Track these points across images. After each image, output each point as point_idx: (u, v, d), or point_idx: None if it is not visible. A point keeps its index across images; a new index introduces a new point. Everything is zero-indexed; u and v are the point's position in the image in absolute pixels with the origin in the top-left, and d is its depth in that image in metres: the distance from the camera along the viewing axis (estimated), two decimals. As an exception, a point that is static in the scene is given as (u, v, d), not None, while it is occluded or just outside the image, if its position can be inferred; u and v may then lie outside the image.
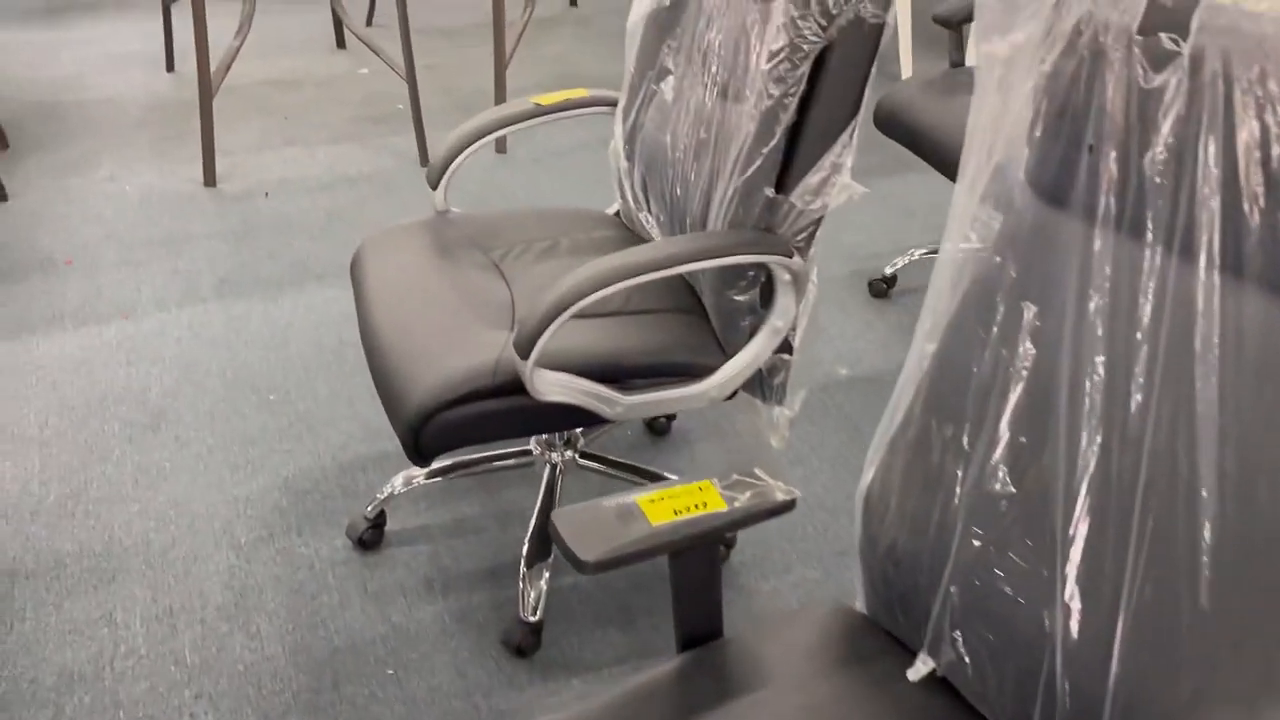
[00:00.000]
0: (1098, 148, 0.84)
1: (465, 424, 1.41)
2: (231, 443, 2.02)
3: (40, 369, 2.22)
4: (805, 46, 1.34)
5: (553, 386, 1.41)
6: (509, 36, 3.18)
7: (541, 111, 1.81)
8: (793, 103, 1.37)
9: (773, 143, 1.39)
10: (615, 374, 1.47)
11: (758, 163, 1.41)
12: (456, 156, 1.77)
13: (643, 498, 0.98)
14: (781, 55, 1.36)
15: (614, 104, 1.82)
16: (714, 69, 1.54)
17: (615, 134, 1.79)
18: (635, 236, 1.80)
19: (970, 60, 2.45)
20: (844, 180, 1.42)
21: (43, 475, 1.94)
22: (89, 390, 2.16)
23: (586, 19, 4.37)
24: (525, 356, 1.35)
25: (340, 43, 3.98)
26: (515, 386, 1.40)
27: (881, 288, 2.53)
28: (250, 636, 1.63)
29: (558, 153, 3.22)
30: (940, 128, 2.22)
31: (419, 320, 1.53)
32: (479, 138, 1.78)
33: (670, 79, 1.66)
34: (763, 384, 1.58)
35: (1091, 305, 0.85)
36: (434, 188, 1.80)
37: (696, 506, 0.97)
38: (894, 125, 2.29)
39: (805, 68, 1.35)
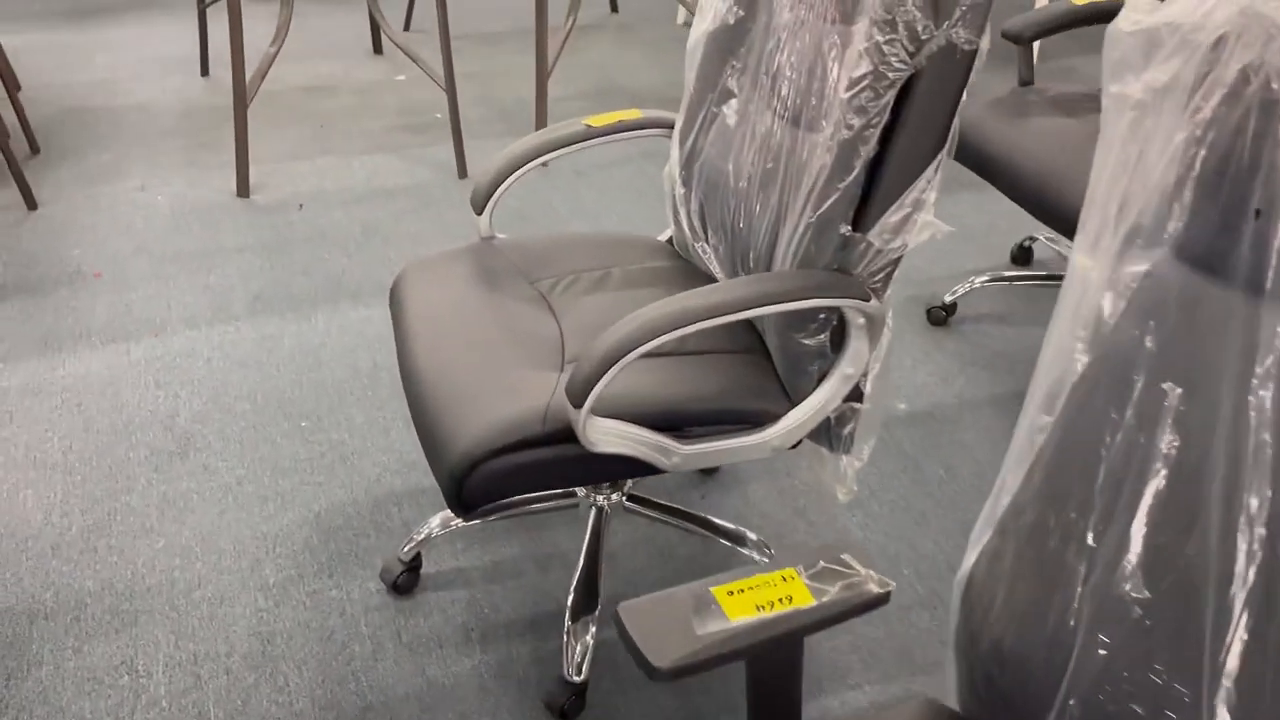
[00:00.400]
0: (1267, 212, 0.72)
1: (512, 473, 1.31)
2: (261, 473, 1.93)
3: (66, 390, 2.14)
4: (890, 74, 1.23)
5: (607, 436, 1.30)
6: (551, 45, 3.08)
7: (592, 134, 1.70)
8: (874, 134, 1.26)
9: (850, 177, 1.28)
10: (673, 421, 1.36)
11: (833, 198, 1.30)
12: (503, 181, 1.67)
13: (720, 588, 0.88)
14: (863, 83, 1.25)
15: (670, 126, 1.71)
16: (784, 94, 1.43)
17: (671, 158, 1.68)
18: (690, 267, 1.69)
19: (1039, 79, 2.33)
20: (927, 217, 1.31)
21: (65, 505, 1.86)
22: (115, 414, 2.08)
23: (628, 25, 4.26)
24: (578, 405, 1.25)
25: (377, 48, 3.90)
26: (566, 434, 1.30)
27: (941, 315, 2.40)
28: (278, 689, 1.54)
29: (602, 166, 3.12)
30: (1011, 152, 2.10)
31: (463, 359, 1.43)
32: (526, 162, 1.68)
33: (733, 102, 1.56)
34: (829, 432, 1.47)
35: (1256, 392, 0.73)
36: (479, 213, 1.70)
37: (780, 601, 0.86)
38: (959, 146, 2.17)
39: (889, 97, 1.24)
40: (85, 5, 4.30)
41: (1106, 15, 2.39)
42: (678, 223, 1.72)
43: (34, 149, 3.08)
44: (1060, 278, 2.50)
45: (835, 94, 1.31)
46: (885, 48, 1.22)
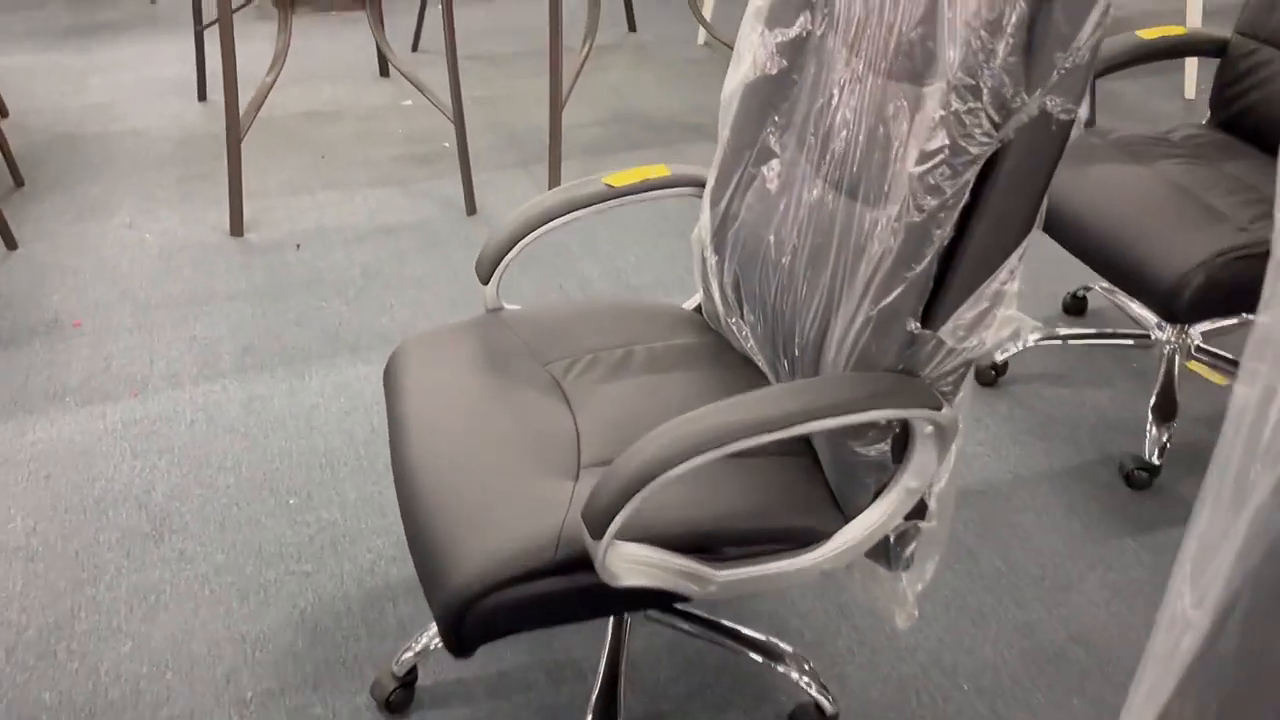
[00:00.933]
0: None
1: (518, 608, 1.12)
2: (243, 560, 1.75)
3: (35, 460, 1.96)
4: (973, 149, 1.03)
5: (630, 566, 1.11)
6: (566, 70, 2.89)
7: (612, 195, 1.51)
8: (951, 217, 1.06)
9: (921, 266, 1.09)
10: (708, 543, 1.17)
11: (900, 289, 1.10)
12: (511, 249, 1.48)
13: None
14: (939, 158, 1.05)
15: (700, 185, 1.52)
16: (838, 160, 1.23)
17: (702, 221, 1.49)
18: (721, 343, 1.50)
19: (1102, 120, 2.12)
20: (1009, 312, 1.11)
21: (25, 599, 1.67)
22: (86, 488, 1.89)
23: (645, 46, 4.08)
24: (597, 536, 1.06)
25: (384, 70, 3.72)
26: (582, 562, 1.11)
27: (990, 376, 2.20)
28: (251, 833, 1.35)
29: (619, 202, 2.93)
30: (1074, 203, 1.90)
31: (464, 463, 1.24)
32: (536, 227, 1.49)
33: (775, 163, 1.36)
34: (888, 550, 1.27)
35: None
36: (484, 282, 1.51)
37: None
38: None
39: (970, 176, 1.05)
40: (80, 24, 4.14)
41: (1177, 50, 2.18)
42: (708, 292, 1.52)
43: (18, 181, 2.91)
44: (1121, 335, 2.31)
45: (902, 166, 1.12)
46: (966, 118, 1.03)
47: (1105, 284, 2.40)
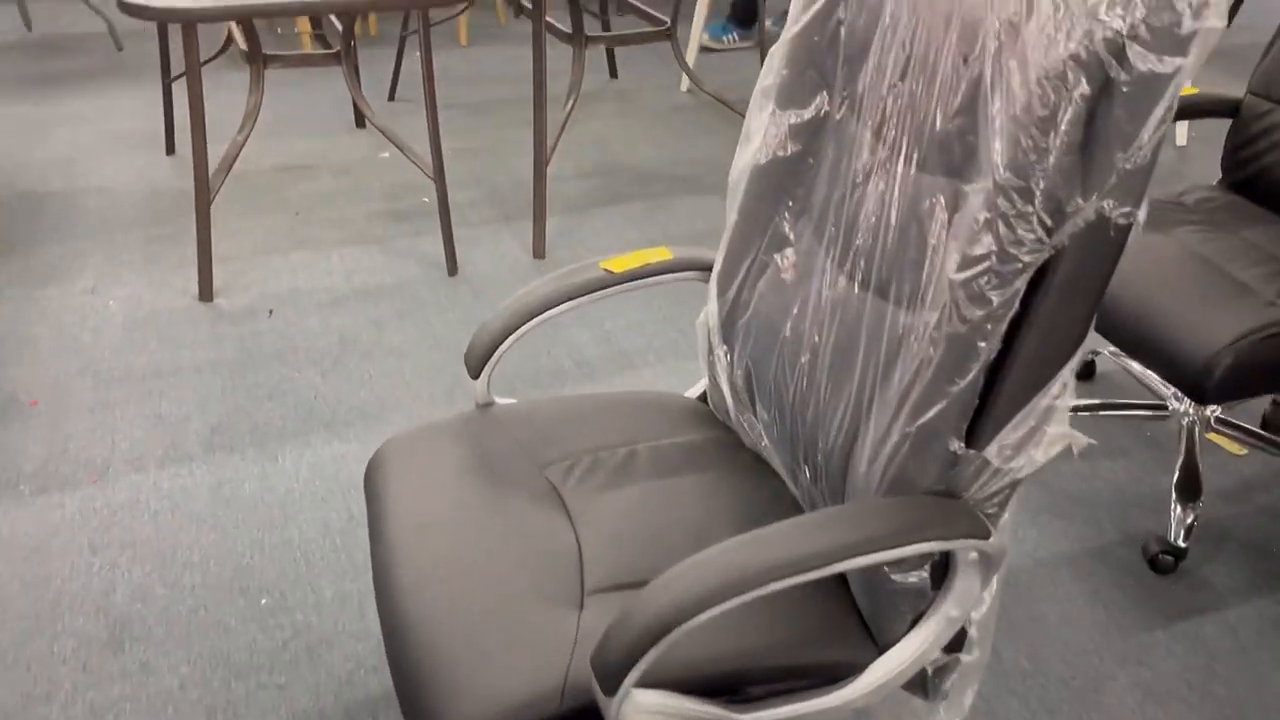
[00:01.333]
0: None
1: (520, 763, 1.00)
2: (210, 672, 1.61)
3: (-16, 557, 1.82)
4: (1023, 257, 0.93)
5: (646, 718, 0.99)
6: (549, 121, 2.79)
7: (612, 282, 1.40)
8: (998, 330, 0.96)
9: (965, 381, 0.98)
10: (731, 684, 1.06)
11: (941, 405, 1.00)
12: (503, 341, 1.37)
13: None
14: (984, 265, 0.95)
15: (706, 268, 1.42)
16: (864, 255, 1.13)
17: (709, 310, 1.38)
18: (732, 439, 1.39)
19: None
20: (1060, 429, 1.01)
21: (-32, 723, 1.53)
22: (40, 590, 1.75)
23: (628, 93, 3.99)
24: (610, 693, 0.94)
25: (359, 122, 3.61)
26: (590, 713, 0.99)
27: None
28: None
29: (607, 256, 2.83)
30: (1124, 291, 1.80)
31: (455, 589, 1.12)
32: (529, 319, 1.37)
33: (790, 252, 1.26)
34: (925, 681, 1.16)
35: None
36: (474, 376, 1.39)
37: None
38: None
39: (1020, 285, 0.94)
40: (43, 74, 4.01)
41: (1189, 111, 2.10)
42: (715, 382, 1.42)
43: (-25, 244, 2.77)
44: (1137, 406, 2.21)
45: (940, 269, 1.02)
46: (1015, 222, 0.93)
47: (1113, 348, 2.32)
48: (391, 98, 3.82)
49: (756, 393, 1.31)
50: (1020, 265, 0.94)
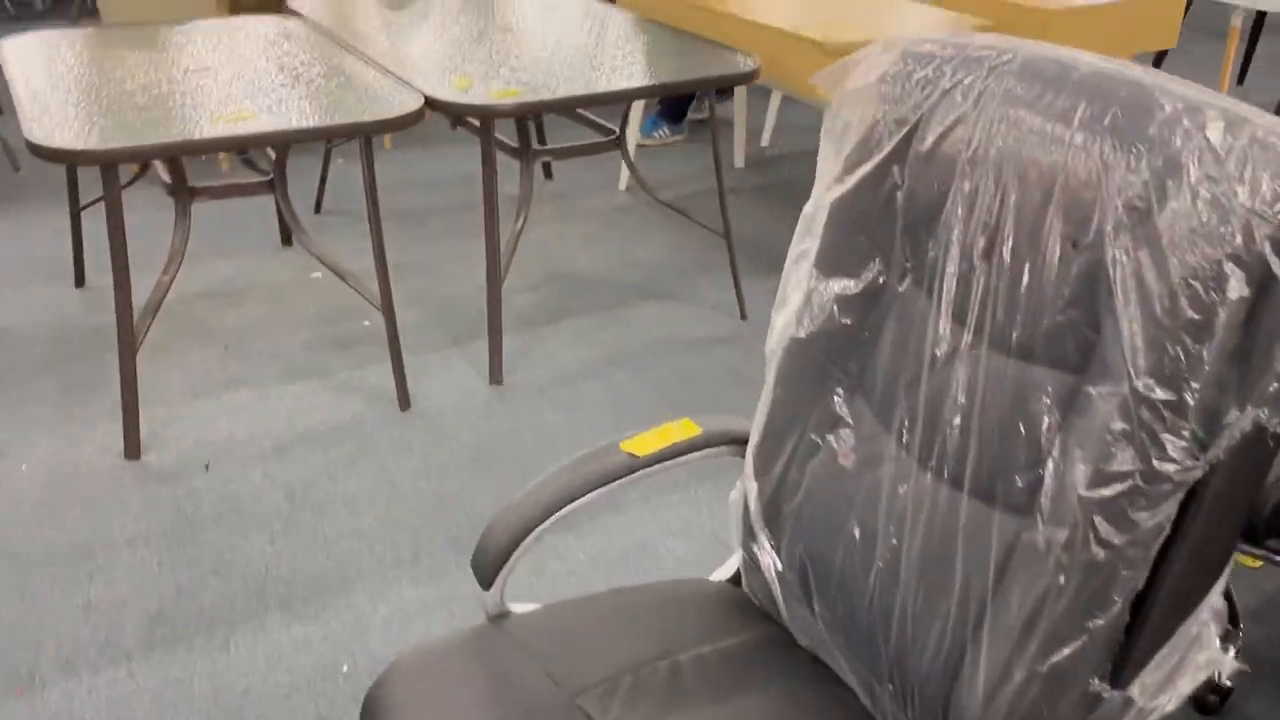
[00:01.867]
0: None
1: None
2: None
3: (-114, 808, 1.54)
4: (1175, 476, 0.81)
5: None
6: (497, 231, 2.64)
7: (639, 465, 1.24)
8: (1146, 557, 0.83)
9: (1108, 616, 0.85)
10: None
11: (1078, 643, 0.86)
12: (518, 545, 1.19)
13: None
14: (1127, 484, 0.82)
15: (739, 442, 1.27)
16: (950, 448, 1.00)
17: (748, 490, 1.23)
18: (783, 639, 1.23)
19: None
20: (1208, 655, 0.88)
21: None
22: (-43, 847, 1.49)
23: (565, 195, 3.87)
24: None
25: (287, 238, 3.40)
26: None
27: (1213, 703, 1.96)
28: None
29: (566, 379, 2.67)
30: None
31: None
32: (548, 515, 1.20)
33: (847, 434, 1.12)
34: None
35: None
36: (485, 587, 1.21)
37: None
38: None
39: (1171, 508, 0.82)
40: (-66, 198, 3.71)
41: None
42: (753, 566, 1.26)
43: None
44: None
45: (1061, 479, 0.89)
46: (1165, 437, 0.80)
47: None
48: (318, 210, 3.62)
49: (815, 590, 1.16)
50: (1170, 486, 0.81)
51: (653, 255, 3.37)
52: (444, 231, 3.52)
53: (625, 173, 3.88)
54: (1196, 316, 0.78)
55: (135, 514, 2.16)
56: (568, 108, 2.52)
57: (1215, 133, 0.79)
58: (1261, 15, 4.68)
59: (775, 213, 3.63)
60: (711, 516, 2.20)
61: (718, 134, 2.92)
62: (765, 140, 4.35)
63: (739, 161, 4.12)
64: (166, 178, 2.40)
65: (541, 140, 3.64)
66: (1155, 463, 0.81)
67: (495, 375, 2.66)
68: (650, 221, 3.62)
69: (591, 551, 2.09)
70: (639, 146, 4.14)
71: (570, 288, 3.17)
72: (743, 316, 2.97)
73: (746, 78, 2.56)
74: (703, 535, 2.14)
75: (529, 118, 2.82)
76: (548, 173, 4.01)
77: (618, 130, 2.90)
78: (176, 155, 2.19)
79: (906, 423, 1.05)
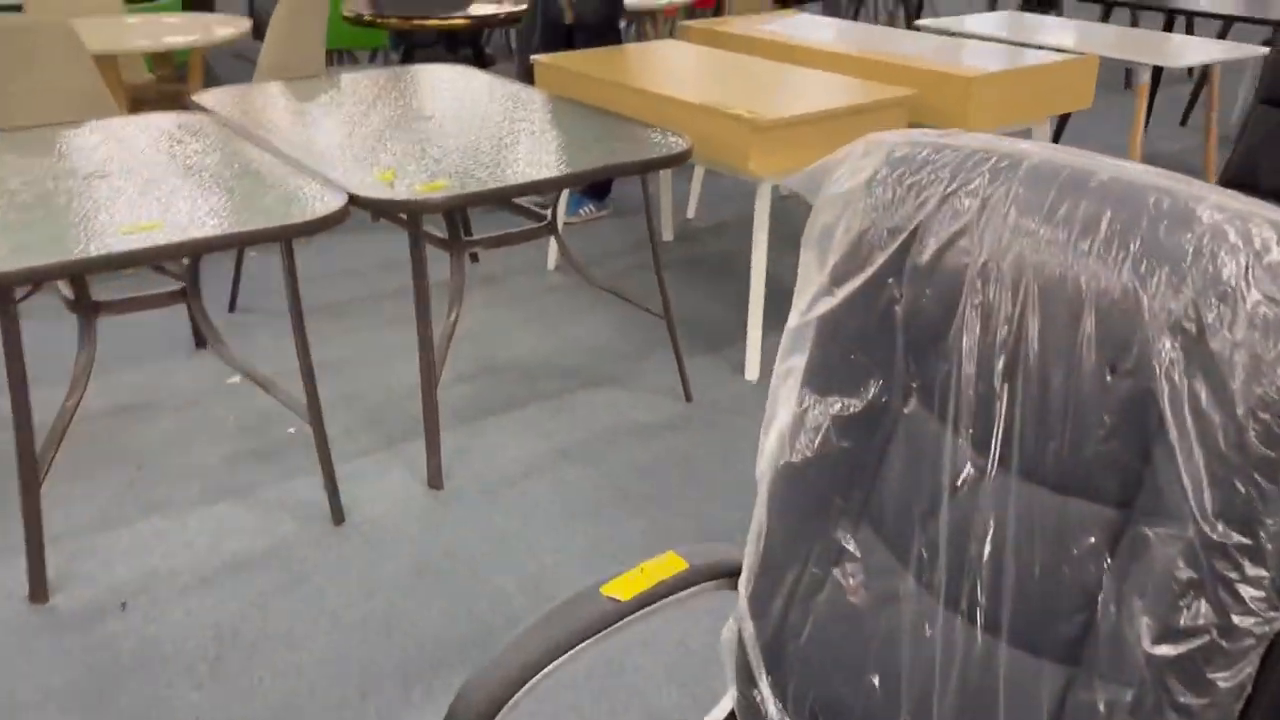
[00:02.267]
0: None
1: None
2: None
3: None
4: (1256, 630, 0.72)
5: None
6: (430, 330, 2.51)
7: (626, 611, 1.12)
8: (1228, 718, 0.74)
9: (1189, 787, 0.75)
10: None
11: (1157, 819, 0.76)
12: (509, 699, 1.06)
13: None
14: (1202, 640, 0.73)
15: (731, 574, 1.16)
16: (982, 590, 0.90)
17: (744, 630, 1.12)
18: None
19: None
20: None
21: None
22: None
23: (493, 278, 3.76)
24: None
25: (200, 341, 3.21)
26: None
27: None
28: None
29: (511, 479, 2.53)
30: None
31: None
32: (530, 677, 1.07)
33: (854, 568, 1.02)
34: None
35: None
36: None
37: None
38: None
39: (1252, 665, 0.73)
40: None
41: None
42: (754, 711, 1.14)
43: None
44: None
45: (1118, 630, 0.79)
46: (1243, 589, 0.72)
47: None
48: (232, 308, 3.44)
49: (831, 740, 1.05)
50: (1253, 640, 0.72)
51: (591, 337, 3.27)
52: (370, 323, 3.36)
53: (554, 251, 3.79)
54: (1270, 453, 0.70)
55: (44, 667, 1.94)
56: (502, 199, 2.42)
57: (1267, 247, 0.72)
58: (1159, 70, 4.89)
59: (709, 288, 3.56)
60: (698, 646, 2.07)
61: (653, 215, 2.84)
62: (691, 212, 4.31)
63: (667, 234, 4.06)
64: (68, 293, 2.22)
65: (468, 229, 3.52)
66: (1235, 617, 0.72)
67: (434, 479, 2.51)
68: (584, 301, 3.52)
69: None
70: (565, 224, 4.06)
71: (507, 377, 3.04)
72: (688, 399, 2.88)
73: (681, 158, 2.49)
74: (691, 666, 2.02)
75: (458, 209, 2.71)
76: (474, 256, 3.90)
77: (549, 215, 2.81)
78: (82, 273, 2.02)
79: (925, 557, 0.96)
